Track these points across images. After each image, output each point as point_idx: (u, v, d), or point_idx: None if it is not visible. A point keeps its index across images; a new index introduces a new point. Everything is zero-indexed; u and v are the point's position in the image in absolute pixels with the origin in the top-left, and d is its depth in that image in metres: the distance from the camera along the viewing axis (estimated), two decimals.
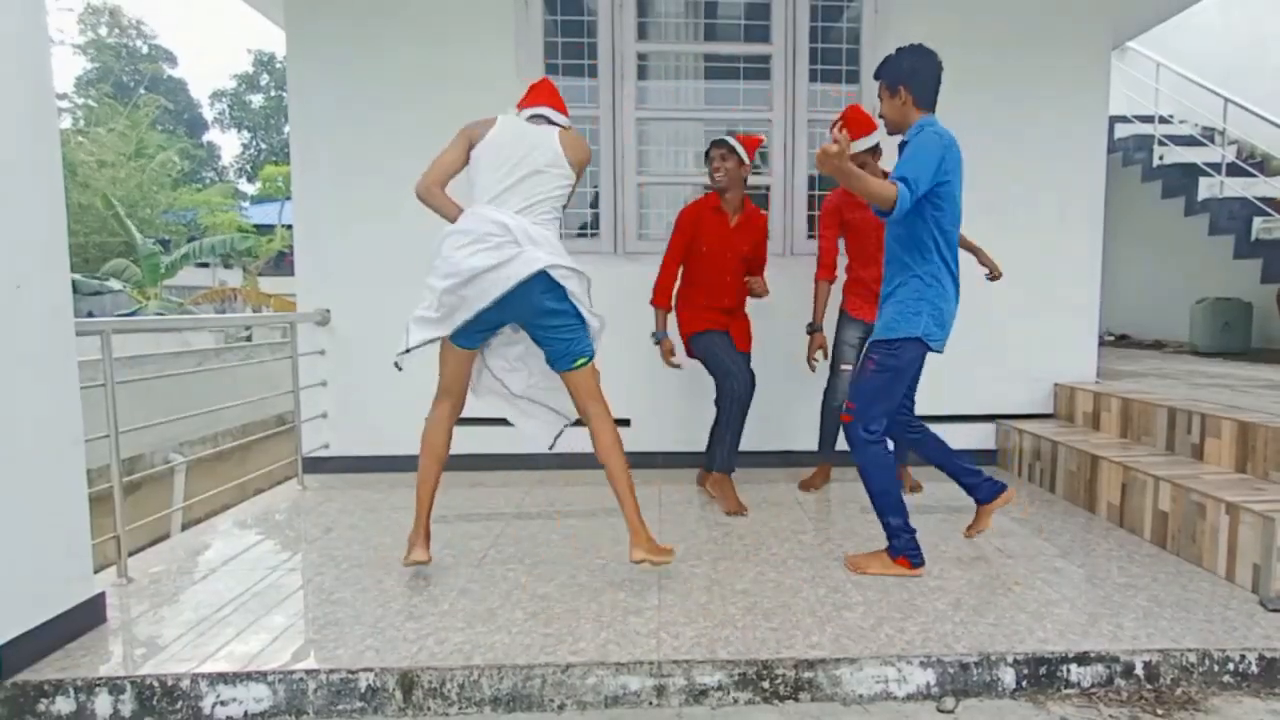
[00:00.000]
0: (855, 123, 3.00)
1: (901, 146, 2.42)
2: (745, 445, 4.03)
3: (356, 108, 3.87)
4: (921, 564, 2.49)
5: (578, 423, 3.65)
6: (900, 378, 2.47)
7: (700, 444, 4.04)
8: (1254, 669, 1.96)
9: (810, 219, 4.08)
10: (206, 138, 29.04)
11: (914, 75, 2.37)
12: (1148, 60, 7.07)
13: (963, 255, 2.59)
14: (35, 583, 1.96)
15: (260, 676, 1.86)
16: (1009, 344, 4.11)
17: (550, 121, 2.46)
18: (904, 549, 2.48)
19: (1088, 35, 4.01)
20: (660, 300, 3.37)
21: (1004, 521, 3.11)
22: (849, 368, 3.36)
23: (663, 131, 4.16)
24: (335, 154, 3.89)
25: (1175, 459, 3.09)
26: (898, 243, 2.43)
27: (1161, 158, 6.83)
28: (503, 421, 3.97)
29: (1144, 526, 2.86)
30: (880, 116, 2.51)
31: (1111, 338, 7.13)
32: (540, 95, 2.52)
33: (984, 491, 2.64)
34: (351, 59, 3.85)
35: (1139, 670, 1.95)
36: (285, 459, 3.89)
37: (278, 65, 27.25)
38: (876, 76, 2.46)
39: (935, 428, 4.10)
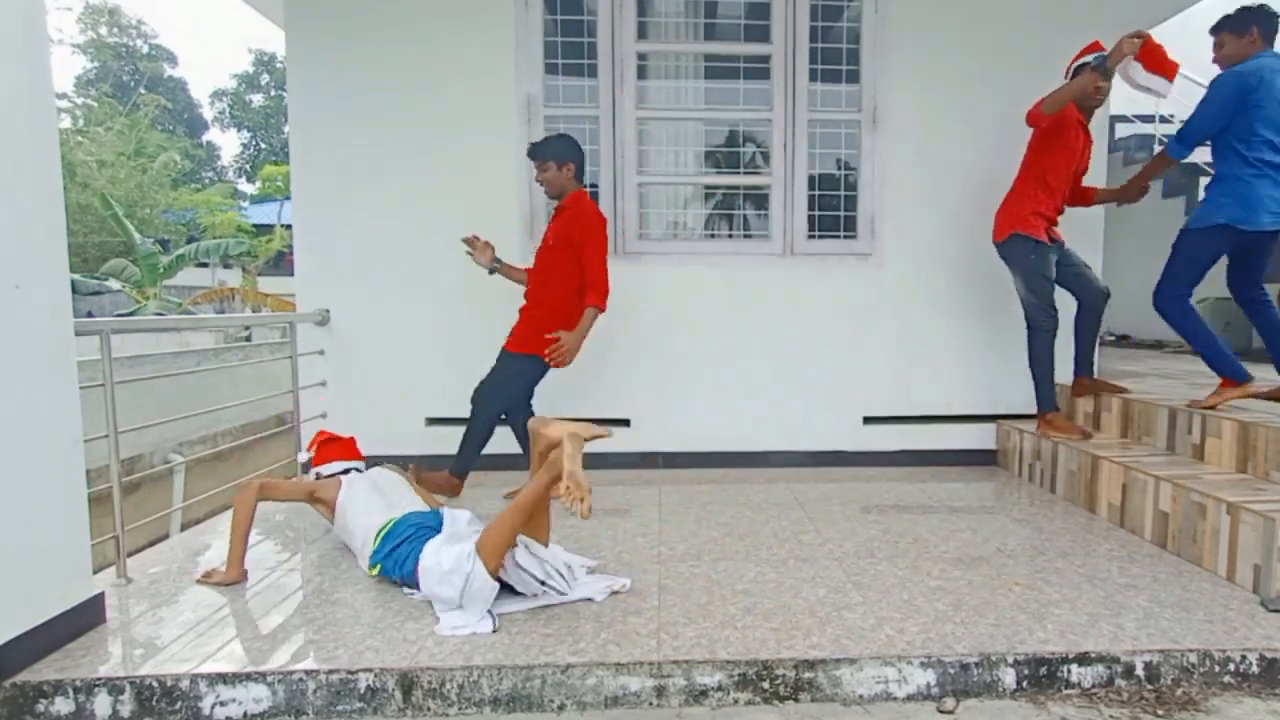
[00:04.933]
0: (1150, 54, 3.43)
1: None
2: (746, 445, 4.05)
3: (356, 107, 3.87)
4: (1246, 378, 3.06)
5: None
6: (1196, 261, 3.08)
7: (700, 443, 4.05)
8: (1254, 669, 1.96)
9: (811, 219, 4.07)
10: (206, 137, 29.01)
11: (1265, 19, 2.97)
12: None
13: None
14: (34, 583, 1.96)
15: (260, 677, 1.86)
16: (1010, 344, 4.09)
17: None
18: (1227, 371, 3.09)
19: (1088, 35, 4.00)
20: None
21: (1004, 521, 3.11)
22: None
23: (663, 131, 4.16)
24: (335, 154, 3.89)
25: (1176, 459, 3.08)
26: (1213, 149, 3.08)
27: None
28: (503, 422, 3.99)
29: (1144, 527, 2.86)
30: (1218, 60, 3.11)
31: (1112, 338, 7.13)
32: (351, 452, 2.96)
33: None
34: (351, 59, 3.85)
35: (1139, 670, 1.94)
36: (285, 459, 3.88)
37: (278, 65, 27.23)
38: (1221, 28, 3.08)
39: (935, 428, 4.17)
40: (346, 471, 2.84)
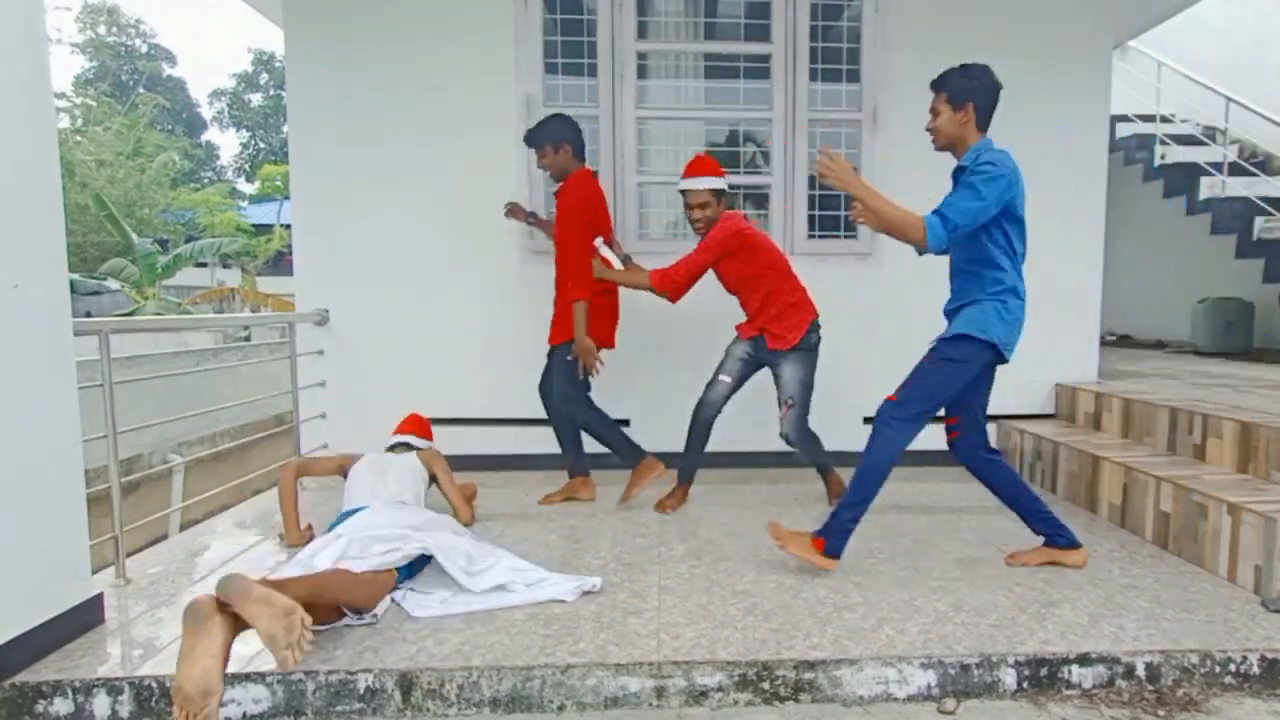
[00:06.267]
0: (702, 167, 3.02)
1: (956, 173, 2.46)
2: (747, 446, 4.04)
3: (356, 107, 3.86)
4: (836, 558, 2.45)
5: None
6: (956, 376, 2.46)
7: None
8: (1255, 670, 1.95)
9: (811, 218, 4.06)
10: (205, 137, 29.01)
11: (982, 94, 2.41)
12: (1149, 59, 7.06)
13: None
14: (33, 584, 1.95)
15: (259, 677, 1.85)
16: None
17: (410, 446, 3.10)
18: (832, 531, 2.45)
19: (1089, 34, 4.00)
20: None
21: (1005, 523, 3.09)
22: (728, 380, 3.22)
23: (663, 131, 4.15)
24: (334, 153, 3.88)
25: (1177, 459, 3.08)
26: (972, 262, 2.46)
27: (1163, 157, 6.82)
28: (504, 422, 3.99)
29: (1145, 527, 2.86)
30: (930, 129, 2.51)
31: (1113, 338, 7.12)
32: (407, 425, 3.19)
33: (1056, 539, 2.55)
34: (351, 59, 3.84)
35: (1140, 671, 1.94)
36: (284, 459, 3.87)
37: (277, 64, 27.21)
38: (939, 86, 2.46)
39: (936, 428, 4.12)
40: (394, 447, 3.05)
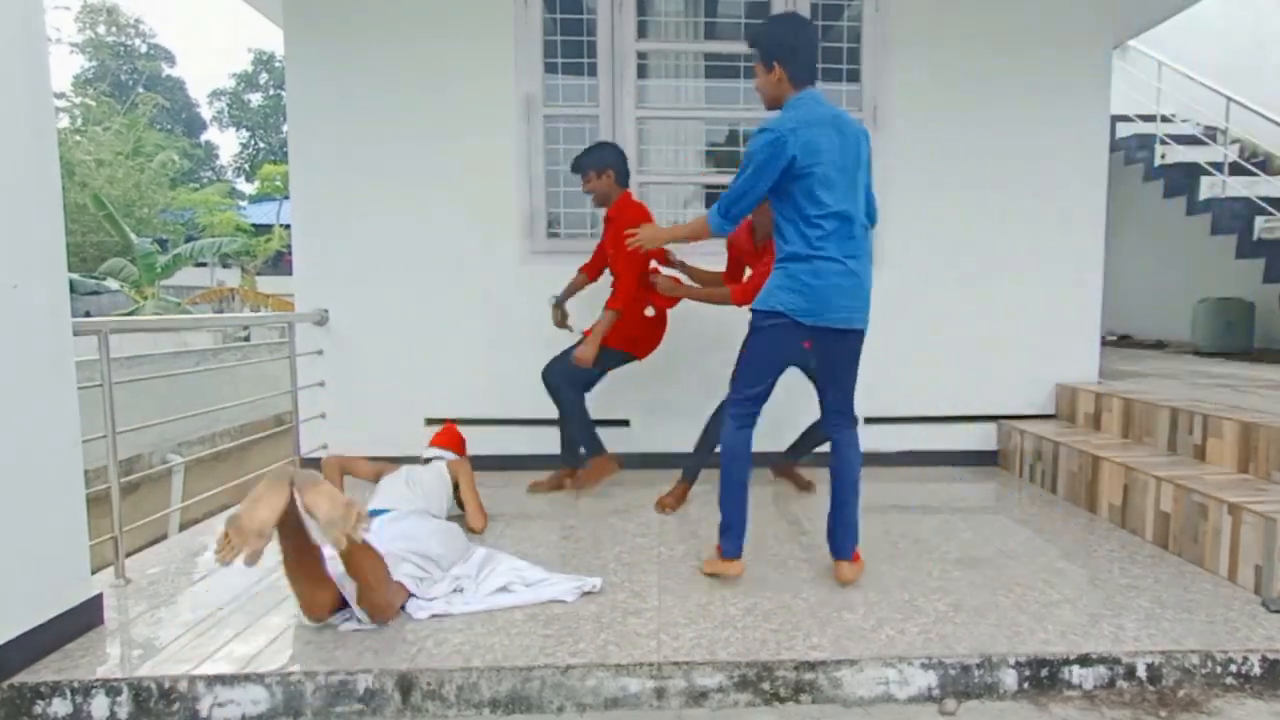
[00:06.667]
0: None
1: None
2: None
3: (356, 107, 3.86)
4: (732, 557, 2.42)
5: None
6: (765, 352, 2.41)
7: None
8: (1256, 670, 1.95)
9: None
10: (205, 137, 28.99)
11: (786, 52, 2.29)
12: (1149, 59, 7.06)
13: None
14: (32, 584, 1.95)
15: (258, 678, 1.85)
16: (1010, 344, 4.10)
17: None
18: (721, 535, 2.44)
19: (1089, 34, 4.00)
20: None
21: (1006, 522, 3.10)
22: None
23: (663, 130, 4.15)
24: (333, 153, 3.87)
25: (1177, 459, 3.08)
26: (772, 233, 2.44)
27: (1163, 157, 6.82)
28: (503, 422, 3.99)
29: (1145, 527, 2.86)
30: (757, 90, 2.42)
31: (1113, 338, 7.12)
32: (441, 438, 3.27)
33: (835, 548, 2.47)
34: (351, 58, 3.84)
35: (1141, 672, 1.94)
36: (283, 459, 3.87)
37: (277, 64, 27.20)
38: (751, 45, 2.36)
39: (936, 428, 4.15)
40: (429, 461, 3.10)
